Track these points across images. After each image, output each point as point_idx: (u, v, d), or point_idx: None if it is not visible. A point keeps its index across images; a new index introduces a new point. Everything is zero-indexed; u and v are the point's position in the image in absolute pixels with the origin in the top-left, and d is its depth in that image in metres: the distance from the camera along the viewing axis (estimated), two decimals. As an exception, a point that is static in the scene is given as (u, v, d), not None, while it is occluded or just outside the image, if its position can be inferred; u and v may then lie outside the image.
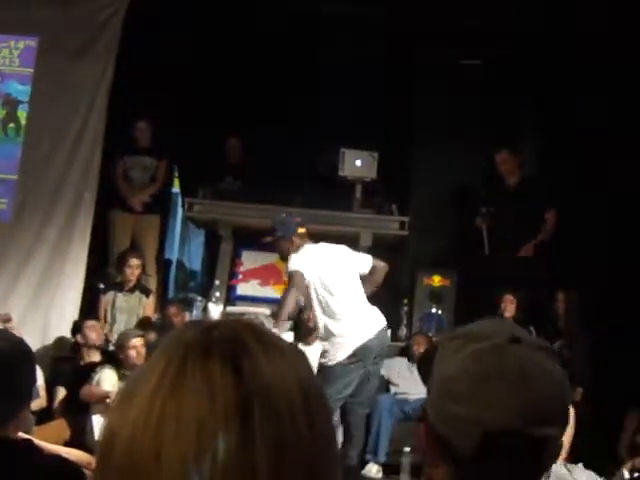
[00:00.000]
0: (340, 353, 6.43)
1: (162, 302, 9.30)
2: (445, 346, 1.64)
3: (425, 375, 1.68)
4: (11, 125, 9.20)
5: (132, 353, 7.33)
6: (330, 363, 6.42)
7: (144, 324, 8.40)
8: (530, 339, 1.61)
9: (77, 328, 8.10)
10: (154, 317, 8.79)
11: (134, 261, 8.72)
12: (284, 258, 6.87)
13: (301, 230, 6.83)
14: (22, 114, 9.22)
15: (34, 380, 2.58)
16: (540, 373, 1.54)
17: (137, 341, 7.43)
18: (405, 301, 9.11)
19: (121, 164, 9.38)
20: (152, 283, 9.26)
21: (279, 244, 6.87)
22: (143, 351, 7.40)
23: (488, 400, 1.50)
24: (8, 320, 7.74)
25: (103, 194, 9.13)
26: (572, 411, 2.66)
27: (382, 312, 6.69)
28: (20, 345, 2.47)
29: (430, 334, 8.57)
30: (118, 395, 1.06)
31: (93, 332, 7.92)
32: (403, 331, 8.97)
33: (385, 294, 7.77)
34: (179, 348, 1.03)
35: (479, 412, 1.50)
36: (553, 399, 1.54)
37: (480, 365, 1.54)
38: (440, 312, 9.07)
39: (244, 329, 1.06)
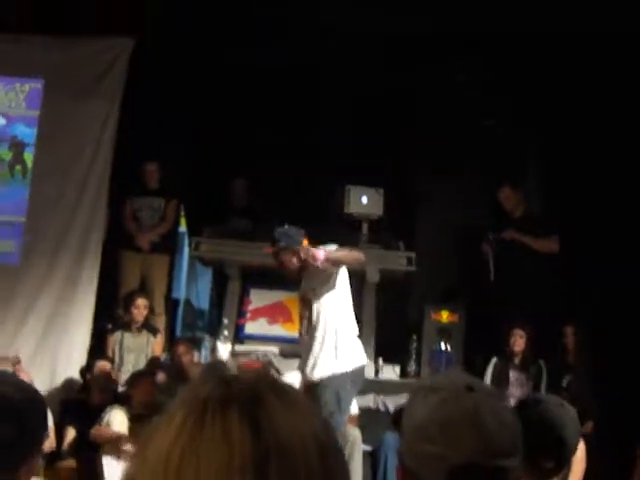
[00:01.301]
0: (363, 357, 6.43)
1: (170, 341, 9.29)
2: (413, 397, 1.95)
3: (398, 425, 2.02)
4: (18, 167, 9.23)
5: (141, 391, 7.34)
6: (359, 364, 6.37)
7: (153, 364, 8.39)
8: (483, 387, 1.94)
9: (88, 368, 8.08)
10: (162, 357, 8.78)
11: (141, 301, 8.71)
12: (291, 276, 6.55)
13: (307, 243, 6.49)
14: (29, 157, 9.25)
15: (45, 426, 2.57)
16: (492, 415, 1.82)
17: (146, 379, 7.46)
18: (414, 337, 9.08)
19: (129, 205, 9.40)
20: (161, 322, 9.24)
21: (283, 257, 6.40)
22: (152, 390, 7.41)
23: (452, 439, 1.79)
24: (17, 362, 7.74)
25: (111, 235, 9.15)
26: (582, 445, 2.69)
27: (390, 348, 6.67)
28: (30, 391, 2.47)
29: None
30: (137, 444, 1.06)
31: (104, 373, 7.91)
32: (412, 367, 8.94)
33: (393, 330, 7.78)
34: (198, 401, 1.04)
35: (445, 450, 1.79)
36: (504, 435, 1.82)
37: (443, 411, 1.83)
38: (449, 348, 9.04)
39: (262, 383, 1.07)
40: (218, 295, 9.97)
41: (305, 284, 6.54)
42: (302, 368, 6.46)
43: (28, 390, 2.45)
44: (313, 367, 6.33)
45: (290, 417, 1.03)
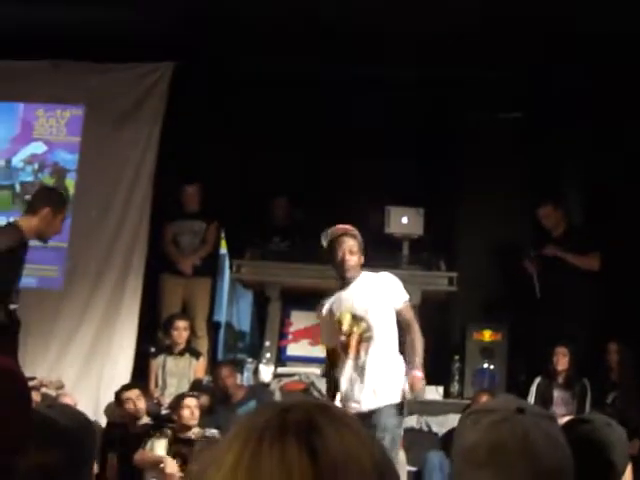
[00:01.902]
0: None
1: (212, 364, 9.31)
2: (463, 420, 1.92)
3: (448, 449, 2.02)
4: (60, 193, 9.32)
5: (185, 413, 7.34)
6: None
7: (196, 387, 8.40)
8: (534, 410, 1.90)
9: (116, 400, 7.92)
10: (205, 379, 8.79)
11: (181, 323, 8.70)
12: (350, 274, 6.13)
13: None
14: (70, 182, 9.34)
15: (94, 451, 2.59)
16: (543, 437, 1.79)
17: (190, 401, 7.44)
18: (456, 357, 9.03)
19: (170, 229, 9.45)
20: (203, 345, 9.25)
21: (358, 247, 6.10)
22: (197, 412, 7.41)
23: (502, 463, 1.77)
24: (60, 387, 7.78)
25: (153, 258, 9.19)
26: (630, 465, 2.65)
27: (433, 368, 6.54)
28: (80, 416, 2.48)
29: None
30: (194, 474, 1.07)
31: (136, 402, 7.81)
32: (455, 387, 8.89)
33: (436, 350, 7.73)
34: (255, 430, 1.04)
35: (496, 474, 1.77)
36: (556, 458, 1.80)
37: (492, 435, 1.80)
38: (492, 367, 8.98)
39: (318, 410, 1.07)
40: (259, 317, 9.97)
41: (351, 301, 6.15)
42: (348, 397, 6.08)
43: (78, 416, 2.47)
44: (368, 396, 6.02)
45: (347, 442, 1.04)
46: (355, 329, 6.07)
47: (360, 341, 6.06)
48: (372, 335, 6.04)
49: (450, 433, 6.97)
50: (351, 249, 6.07)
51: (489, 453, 1.78)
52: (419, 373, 6.07)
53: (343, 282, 6.20)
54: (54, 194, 7.05)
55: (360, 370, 6.06)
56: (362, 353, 6.06)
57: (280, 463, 1.00)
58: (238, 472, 1.01)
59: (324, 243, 6.18)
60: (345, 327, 6.10)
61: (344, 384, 6.15)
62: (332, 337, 6.32)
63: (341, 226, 6.17)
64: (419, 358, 6.08)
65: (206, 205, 9.50)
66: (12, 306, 6.37)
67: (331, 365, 6.51)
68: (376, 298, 6.12)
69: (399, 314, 6.16)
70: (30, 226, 6.33)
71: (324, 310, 6.32)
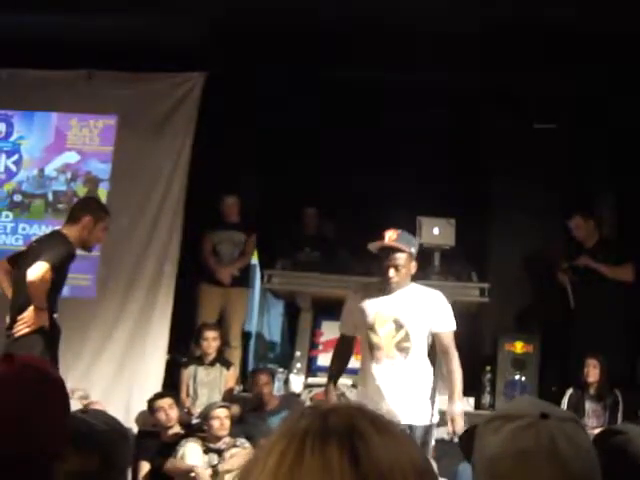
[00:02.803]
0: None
1: (243, 374, 9.32)
2: (484, 428, 1.81)
3: (466, 450, 1.92)
4: (93, 203, 9.37)
5: (215, 423, 7.35)
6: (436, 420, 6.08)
7: (227, 397, 8.41)
8: (558, 413, 1.80)
9: (149, 409, 7.97)
10: (236, 389, 8.80)
11: (210, 333, 8.68)
12: (394, 289, 5.89)
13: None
14: (103, 192, 9.38)
15: (129, 458, 2.60)
16: (569, 443, 1.70)
17: (221, 412, 7.45)
18: (488, 368, 9.00)
19: (209, 239, 9.49)
20: (236, 356, 9.28)
21: (403, 261, 5.82)
22: (227, 422, 7.41)
23: (526, 475, 1.68)
24: (85, 398, 7.80)
25: (189, 267, 9.22)
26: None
27: (465, 379, 6.41)
28: (116, 423, 2.50)
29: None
30: (237, 477, 1.07)
31: (168, 411, 7.81)
32: (487, 399, 8.87)
33: (467, 361, 7.69)
34: (297, 433, 1.04)
35: None
36: (584, 465, 1.71)
37: (517, 443, 1.71)
38: (524, 379, 8.94)
39: (359, 415, 1.07)
40: (290, 327, 9.99)
41: (395, 307, 5.95)
42: (374, 400, 5.85)
43: (112, 421, 2.48)
44: (408, 411, 5.86)
45: (388, 447, 1.04)
46: (394, 334, 5.91)
47: (397, 348, 5.92)
48: (409, 346, 5.91)
49: (467, 433, 6.77)
50: (396, 266, 5.82)
51: (514, 463, 1.70)
52: (459, 408, 5.95)
53: (389, 287, 5.96)
54: (93, 202, 7.19)
55: (392, 376, 5.91)
56: (398, 359, 5.91)
57: (322, 467, 1.00)
58: (281, 473, 1.01)
59: (372, 249, 5.94)
60: (384, 330, 5.93)
61: (370, 384, 6.01)
62: (353, 327, 6.18)
63: (389, 239, 5.85)
64: (458, 390, 5.98)
65: (246, 216, 9.53)
66: (54, 315, 6.47)
67: (337, 354, 6.43)
68: (420, 314, 5.93)
69: (439, 338, 5.99)
70: (74, 235, 6.46)
71: (358, 297, 6.10)
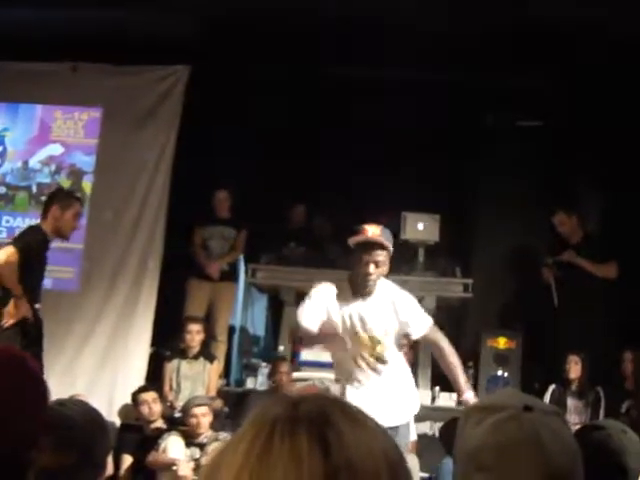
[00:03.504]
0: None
1: (226, 368, 9.32)
2: (466, 420, 1.75)
3: (447, 444, 1.86)
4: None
5: (193, 421, 7.34)
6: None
7: (210, 391, 8.41)
8: (542, 406, 1.75)
9: (133, 401, 7.98)
10: (219, 383, 8.79)
11: (194, 326, 8.64)
12: (370, 288, 5.64)
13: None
14: (87, 184, 9.36)
15: (108, 451, 2.59)
16: (554, 436, 1.67)
17: (198, 410, 7.41)
18: (470, 364, 9.01)
19: (199, 234, 9.46)
20: (222, 350, 9.26)
21: (384, 258, 5.57)
22: (204, 420, 7.37)
23: (509, 467, 1.64)
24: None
25: (178, 261, 9.21)
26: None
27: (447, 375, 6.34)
28: (96, 416, 2.49)
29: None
30: (205, 467, 1.07)
31: (152, 405, 7.81)
32: (469, 394, 8.88)
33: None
34: (266, 423, 1.04)
35: (502, 478, 1.64)
36: (567, 459, 1.67)
37: (499, 436, 1.66)
38: (506, 375, 8.96)
39: (330, 404, 1.07)
40: (274, 321, 9.98)
41: (371, 322, 5.68)
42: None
43: (91, 412, 2.47)
44: (387, 413, 5.46)
45: (359, 436, 1.03)
46: (374, 350, 5.65)
47: (377, 359, 5.66)
48: (386, 355, 5.68)
49: (447, 425, 6.79)
50: (377, 262, 5.55)
51: (496, 456, 1.65)
52: (471, 395, 5.85)
53: (361, 291, 5.71)
54: (58, 192, 7.36)
55: (375, 384, 5.68)
56: (379, 368, 5.66)
57: (291, 455, 1.00)
58: (249, 463, 1.01)
59: (351, 243, 5.65)
60: (363, 345, 5.63)
61: (349, 387, 5.91)
62: (320, 324, 5.65)
63: (373, 234, 5.57)
64: (463, 377, 5.73)
65: (237, 212, 9.52)
66: (36, 305, 6.48)
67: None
68: (394, 323, 5.70)
69: (425, 339, 5.86)
70: (47, 228, 6.54)
71: (331, 301, 5.70)
